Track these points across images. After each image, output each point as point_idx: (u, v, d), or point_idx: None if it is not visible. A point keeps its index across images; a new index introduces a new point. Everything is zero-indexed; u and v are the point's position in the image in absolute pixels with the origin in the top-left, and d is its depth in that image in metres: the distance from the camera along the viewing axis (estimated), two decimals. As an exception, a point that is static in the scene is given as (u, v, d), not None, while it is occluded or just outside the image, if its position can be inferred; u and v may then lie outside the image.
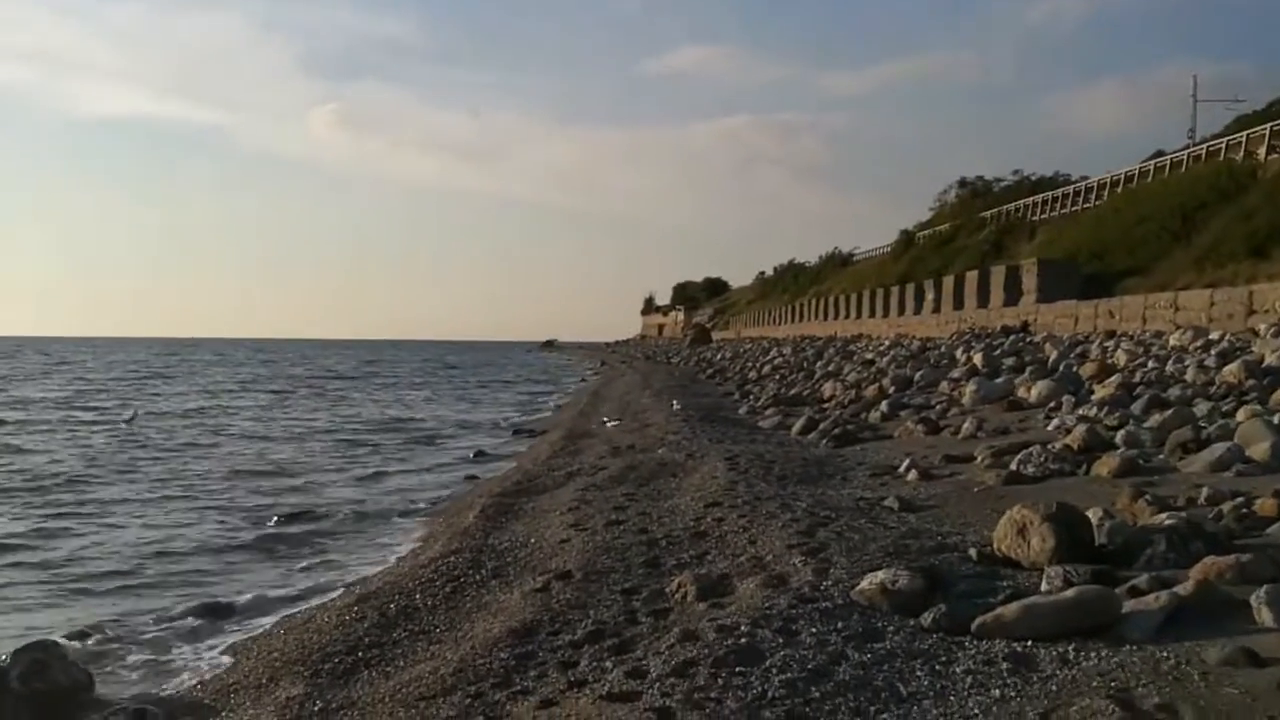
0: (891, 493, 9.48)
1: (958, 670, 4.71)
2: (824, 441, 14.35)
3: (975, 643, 5.04)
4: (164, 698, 6.20)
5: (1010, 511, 6.58)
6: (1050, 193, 50.74)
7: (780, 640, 5.11)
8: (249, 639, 7.48)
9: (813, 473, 11.27)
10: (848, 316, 55.32)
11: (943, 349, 27.96)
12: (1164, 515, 6.70)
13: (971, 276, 39.02)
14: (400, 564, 9.53)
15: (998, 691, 4.45)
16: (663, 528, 8.46)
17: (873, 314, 50.59)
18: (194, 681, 6.52)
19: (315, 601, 8.53)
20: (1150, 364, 16.86)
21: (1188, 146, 44.51)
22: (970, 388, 16.79)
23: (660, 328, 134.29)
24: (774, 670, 4.74)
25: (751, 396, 25.03)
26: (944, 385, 19.10)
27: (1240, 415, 10.83)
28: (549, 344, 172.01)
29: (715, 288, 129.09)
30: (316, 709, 5.39)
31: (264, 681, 6.06)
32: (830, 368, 28.80)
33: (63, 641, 7.07)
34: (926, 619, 5.36)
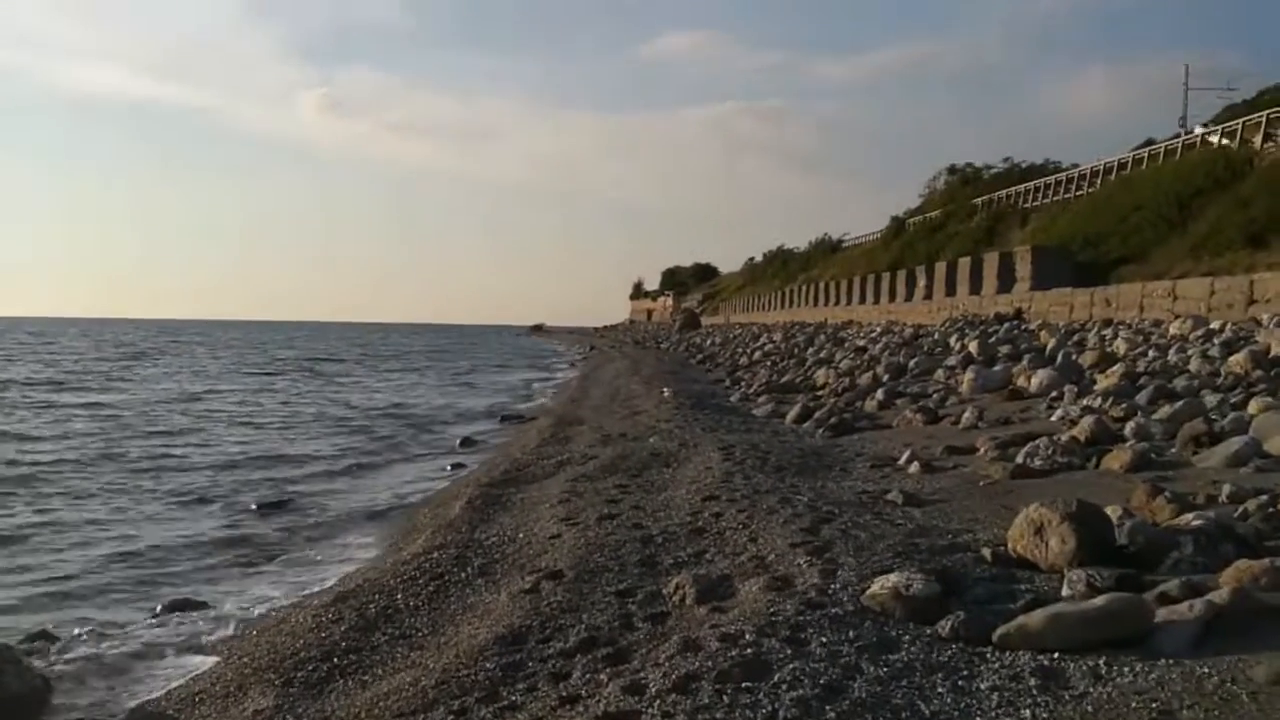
0: (894, 486, 9.12)
1: (982, 686, 4.34)
2: (820, 431, 14.01)
3: (998, 654, 4.67)
4: (126, 708, 5.80)
5: (1026, 510, 6.22)
6: (1042, 180, 50.39)
7: (789, 651, 4.72)
8: (220, 641, 7.07)
9: (811, 464, 10.89)
10: (838, 303, 54.98)
11: (936, 336, 27.61)
12: (1190, 515, 6.34)
13: (964, 263, 38.67)
14: (382, 559, 9.05)
15: (1028, 712, 4.07)
16: (658, 523, 8.04)
17: (863, 300, 50.27)
18: (160, 690, 6.11)
19: (292, 599, 8.12)
20: (1151, 353, 16.55)
21: (1178, 135, 44.24)
22: (968, 376, 16.49)
23: (649, 313, 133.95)
24: (784, 686, 4.35)
25: (743, 383, 24.68)
26: (939, 373, 18.83)
27: (1252, 407, 10.53)
28: (537, 328, 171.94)
29: (704, 273, 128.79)
30: (287, 723, 5.00)
31: (233, 690, 5.64)
32: (822, 354, 28.50)
33: (17, 645, 6.65)
34: (944, 627, 4.99)
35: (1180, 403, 11.21)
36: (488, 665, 5.11)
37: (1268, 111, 33.92)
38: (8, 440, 19.37)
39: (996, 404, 14.24)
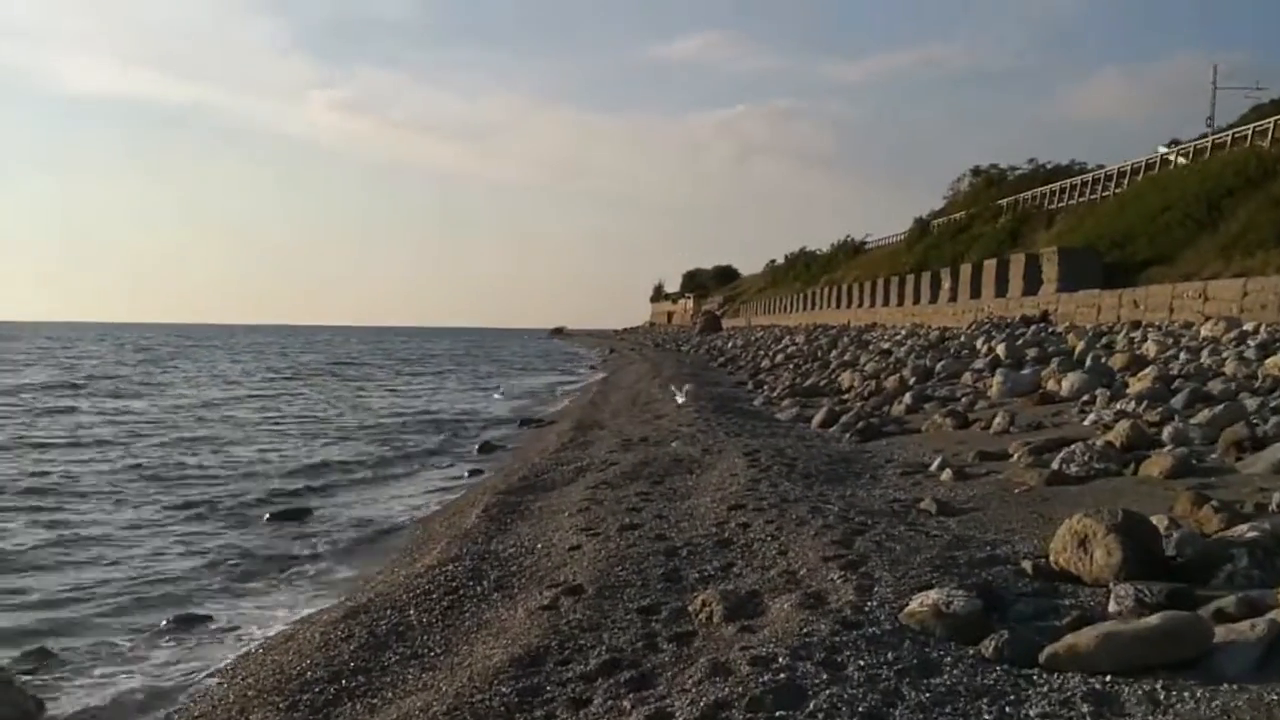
0: (927, 494, 8.82)
1: (1031, 713, 4.04)
2: (847, 436, 13.70)
3: (1046, 677, 4.37)
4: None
5: (1069, 520, 5.92)
6: (1067, 181, 49.82)
7: (824, 675, 4.42)
8: (223, 658, 6.80)
9: (839, 471, 10.57)
10: (861, 305, 54.55)
11: (962, 339, 27.26)
12: (1244, 527, 6.00)
13: (989, 265, 38.23)
14: (394, 571, 8.69)
15: (1082, 741, 3.78)
16: (682, 534, 7.70)
17: (886, 302, 49.82)
18: (160, 714, 5.84)
19: (300, 615, 7.85)
20: (1183, 356, 16.20)
21: (1205, 134, 43.66)
22: (997, 379, 16.19)
23: (670, 315, 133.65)
24: (820, 714, 4.05)
25: (766, 386, 24.41)
26: (967, 376, 18.53)
27: (1294, 411, 10.18)
28: (558, 331, 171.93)
29: (725, 275, 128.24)
30: (291, 750, 4.72)
31: (234, 714, 5.35)
32: (846, 357, 28.18)
33: (12, 664, 6.40)
34: (988, 648, 4.69)
35: (1220, 407, 10.87)
36: (503, 690, 4.80)
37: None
38: (20, 449, 19.17)
39: (1027, 408, 13.92)
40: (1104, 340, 20.69)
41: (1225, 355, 15.23)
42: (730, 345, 51.66)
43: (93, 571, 9.80)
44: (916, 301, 45.33)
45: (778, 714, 4.07)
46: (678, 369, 34.94)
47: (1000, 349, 20.59)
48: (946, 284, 42.44)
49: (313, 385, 41.72)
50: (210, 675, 6.49)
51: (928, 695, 4.21)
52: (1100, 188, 45.13)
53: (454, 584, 7.17)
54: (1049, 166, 60.14)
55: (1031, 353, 19.77)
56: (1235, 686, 4.08)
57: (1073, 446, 9.53)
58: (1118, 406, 12.28)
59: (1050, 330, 26.05)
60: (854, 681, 4.36)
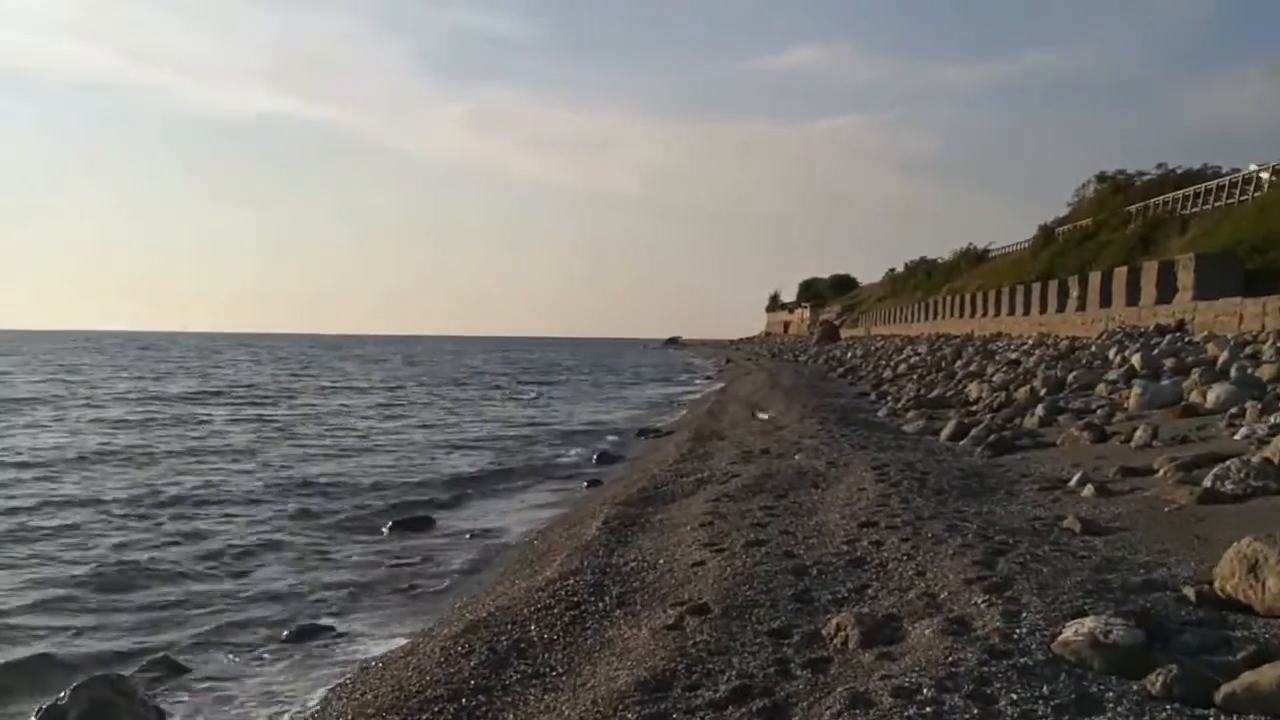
0: (1069, 511, 8.34)
1: (1212, 760, 3.65)
2: (978, 449, 13.17)
3: (1223, 719, 3.96)
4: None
5: (1237, 544, 5.47)
6: (1201, 185, 47.93)
7: (975, 710, 4.06)
8: (343, 673, 6.68)
9: (973, 486, 10.10)
10: (985, 314, 53.22)
11: (1093, 349, 26.29)
12: None
13: (1120, 272, 36.90)
14: (514, 584, 8.47)
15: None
16: (811, 552, 7.35)
17: (1012, 311, 48.50)
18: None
19: (420, 627, 7.71)
20: (1340, 366, 15.26)
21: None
22: (1135, 391, 15.45)
23: (786, 325, 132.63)
24: (973, 756, 3.73)
25: (889, 398, 23.83)
26: (1101, 388, 17.76)
27: None
28: (672, 341, 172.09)
29: (843, 284, 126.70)
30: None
31: (353, 732, 5.22)
32: (972, 368, 27.40)
33: (136, 673, 6.37)
34: (1155, 683, 4.28)
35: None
36: (629, 716, 4.54)
37: None
38: (160, 458, 19.59)
39: (1169, 420, 13.23)
40: (1248, 350, 19.68)
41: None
42: (849, 355, 50.88)
43: (215, 582, 9.87)
44: (1043, 310, 44.02)
45: (927, 753, 3.75)
46: (796, 380, 34.45)
47: (1135, 359, 19.72)
48: (1075, 292, 41.13)
49: (438, 394, 42.21)
50: (329, 690, 6.37)
51: (1090, 736, 3.85)
52: (1239, 191, 43.33)
53: (575, 599, 6.93)
54: (1179, 171, 58.09)
55: (1169, 363, 18.90)
56: None
57: (1227, 463, 8.92)
58: (1272, 420, 11.57)
59: (1187, 340, 24.96)
60: (1007, 717, 4.01)
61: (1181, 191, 49.38)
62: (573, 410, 34.12)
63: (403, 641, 7.30)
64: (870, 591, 6.17)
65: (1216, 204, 44.47)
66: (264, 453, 20.47)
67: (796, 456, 13.12)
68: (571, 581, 7.40)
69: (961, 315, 57.95)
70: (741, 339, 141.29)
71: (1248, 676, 4.19)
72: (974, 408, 18.86)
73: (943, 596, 5.75)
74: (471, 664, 5.81)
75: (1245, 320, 26.17)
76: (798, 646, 5.26)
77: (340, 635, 7.80)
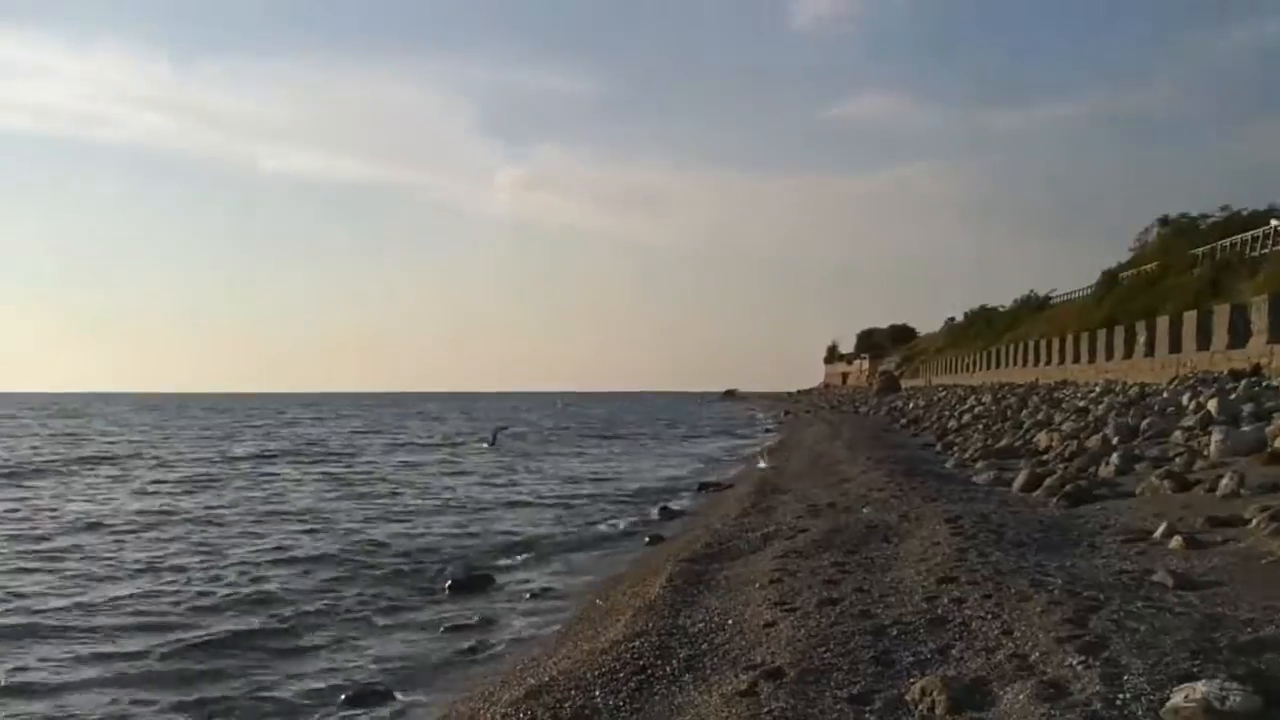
0: (1157, 564, 7.91)
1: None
2: (1054, 500, 12.71)
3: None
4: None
5: (1354, 600, 5.07)
6: (1270, 225, 46.86)
7: (1082, 786, 3.74)
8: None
9: (1053, 539, 9.68)
10: (1049, 362, 52.33)
11: (1165, 395, 25.60)
12: None
13: (1190, 317, 36.06)
14: (577, 646, 8.17)
15: None
16: (889, 610, 6.98)
17: (1077, 359, 47.62)
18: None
19: (478, 690, 7.42)
20: None
21: None
22: (1215, 437, 14.87)
23: (844, 376, 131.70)
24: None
25: (956, 448, 23.31)
26: (1177, 435, 17.17)
27: None
28: (730, 394, 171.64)
29: (901, 334, 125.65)
30: None
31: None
32: (1039, 416, 26.79)
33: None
34: (1278, 755, 3.93)
35: None
36: (705, 791, 4.25)
37: None
38: (209, 523, 19.53)
39: (1255, 468, 12.68)
40: (1330, 394, 19.03)
41: None
42: (911, 406, 50.21)
43: (275, 639, 9.72)
44: (1109, 357, 43.14)
45: (1035, 837, 3.41)
46: (858, 432, 33.95)
47: (1211, 405, 19.10)
48: (1142, 338, 40.26)
49: (497, 450, 42.18)
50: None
51: (1215, 815, 3.49)
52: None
53: (641, 662, 6.61)
54: (1245, 213, 56.99)
55: (1247, 408, 18.27)
56: None
57: (1325, 511, 8.50)
58: (1365, 466, 11.05)
59: (1264, 384, 24.20)
60: (1121, 795, 3.67)
61: (1250, 233, 48.42)
62: (634, 465, 33.87)
63: (462, 709, 7.01)
64: (955, 652, 5.80)
65: (1286, 245, 43.49)
66: (326, 511, 20.37)
67: (865, 510, 12.74)
68: (637, 644, 7.07)
69: (1025, 364, 57.07)
70: (800, 391, 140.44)
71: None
72: (1044, 457, 18.34)
73: (1034, 657, 5.39)
74: (534, 732, 5.53)
75: (1324, 363, 25.40)
76: (880, 713, 4.94)
77: (398, 701, 7.55)
